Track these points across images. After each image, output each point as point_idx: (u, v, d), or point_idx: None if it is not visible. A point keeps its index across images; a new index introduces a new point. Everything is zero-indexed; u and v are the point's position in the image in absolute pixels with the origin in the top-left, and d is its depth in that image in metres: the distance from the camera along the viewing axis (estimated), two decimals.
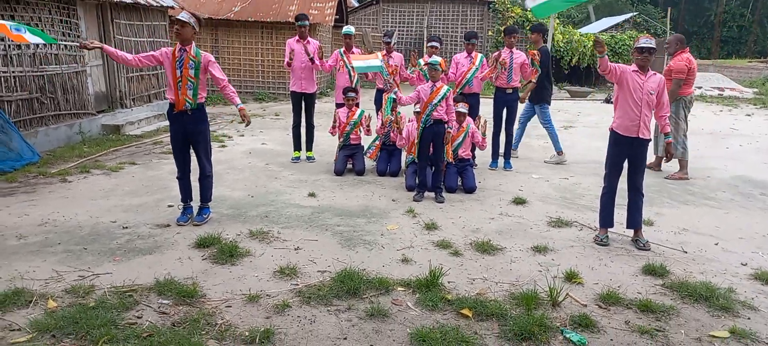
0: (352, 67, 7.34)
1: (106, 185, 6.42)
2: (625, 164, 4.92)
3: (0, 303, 3.48)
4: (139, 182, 6.59)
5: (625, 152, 4.83)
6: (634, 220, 4.94)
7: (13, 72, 7.55)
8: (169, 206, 5.63)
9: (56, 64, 8.34)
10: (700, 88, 18.99)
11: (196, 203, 5.33)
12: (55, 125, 8.35)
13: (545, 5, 8.67)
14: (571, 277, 4.17)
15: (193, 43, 4.92)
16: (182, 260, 4.34)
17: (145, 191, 6.20)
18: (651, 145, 5.42)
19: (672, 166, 7.54)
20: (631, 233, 5.02)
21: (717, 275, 4.31)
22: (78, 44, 4.42)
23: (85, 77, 9.08)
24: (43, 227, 4.96)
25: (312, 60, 7.40)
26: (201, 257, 4.40)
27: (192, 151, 5.19)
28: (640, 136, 4.72)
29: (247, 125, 5.26)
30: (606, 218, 5.01)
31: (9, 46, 7.45)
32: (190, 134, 5.08)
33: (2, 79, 7.40)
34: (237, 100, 5.15)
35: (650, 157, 6.39)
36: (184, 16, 4.82)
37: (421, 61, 7.42)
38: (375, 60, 7.20)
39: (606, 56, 4.56)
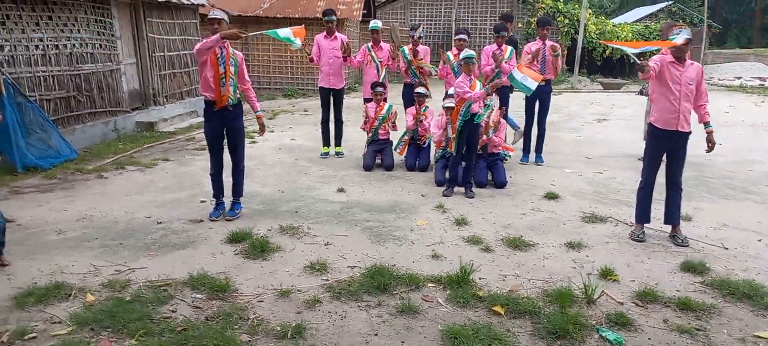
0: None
1: (141, 180, 6.56)
2: (664, 158, 4.80)
3: (42, 296, 3.59)
4: (172, 177, 6.71)
5: (665, 146, 4.70)
6: (672, 215, 4.80)
7: (51, 71, 7.76)
8: (202, 202, 5.71)
9: (92, 63, 8.55)
10: (739, 78, 18.52)
11: (227, 199, 5.40)
12: (92, 123, 8.57)
13: None
14: (606, 274, 4.07)
15: (229, 41, 4.94)
16: (215, 254, 4.40)
17: (178, 187, 6.31)
18: None
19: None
20: (668, 228, 4.88)
21: (760, 273, 4.15)
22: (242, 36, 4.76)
23: (119, 75, 9.28)
24: (81, 223, 5.09)
25: (345, 58, 7.41)
26: (233, 251, 4.45)
27: (226, 147, 5.24)
28: (680, 129, 4.58)
29: (261, 134, 5.39)
30: (642, 213, 4.88)
31: (47, 46, 7.67)
32: (230, 130, 5.14)
33: (42, 78, 7.62)
34: (257, 106, 5.22)
35: None
36: (218, 13, 4.83)
37: (450, 55, 7.34)
38: (533, 82, 6.40)
39: (648, 71, 4.45)
